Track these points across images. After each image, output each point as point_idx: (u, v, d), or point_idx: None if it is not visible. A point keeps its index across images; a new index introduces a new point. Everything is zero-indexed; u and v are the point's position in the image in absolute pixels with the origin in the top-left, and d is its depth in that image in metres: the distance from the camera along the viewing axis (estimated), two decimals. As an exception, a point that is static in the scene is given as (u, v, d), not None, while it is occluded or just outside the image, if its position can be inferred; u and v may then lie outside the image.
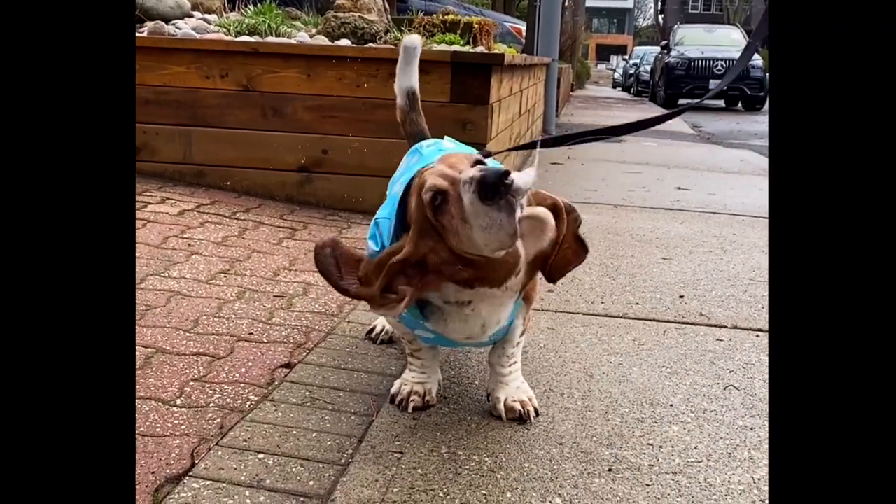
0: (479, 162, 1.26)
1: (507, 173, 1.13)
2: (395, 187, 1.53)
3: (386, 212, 1.44)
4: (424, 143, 1.75)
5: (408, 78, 1.93)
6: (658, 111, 13.52)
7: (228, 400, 1.55)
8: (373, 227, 1.48)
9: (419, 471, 1.33)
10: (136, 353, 1.72)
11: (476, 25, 4.72)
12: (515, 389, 1.55)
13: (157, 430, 1.41)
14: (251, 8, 4.26)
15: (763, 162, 6.15)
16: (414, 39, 1.93)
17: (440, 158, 1.31)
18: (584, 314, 2.19)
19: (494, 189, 1.13)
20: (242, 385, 1.62)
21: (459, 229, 1.20)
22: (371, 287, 1.26)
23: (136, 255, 2.36)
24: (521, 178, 1.15)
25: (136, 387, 1.57)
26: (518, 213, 1.16)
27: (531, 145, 1.58)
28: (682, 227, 3.44)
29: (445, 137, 1.83)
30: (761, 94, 14.93)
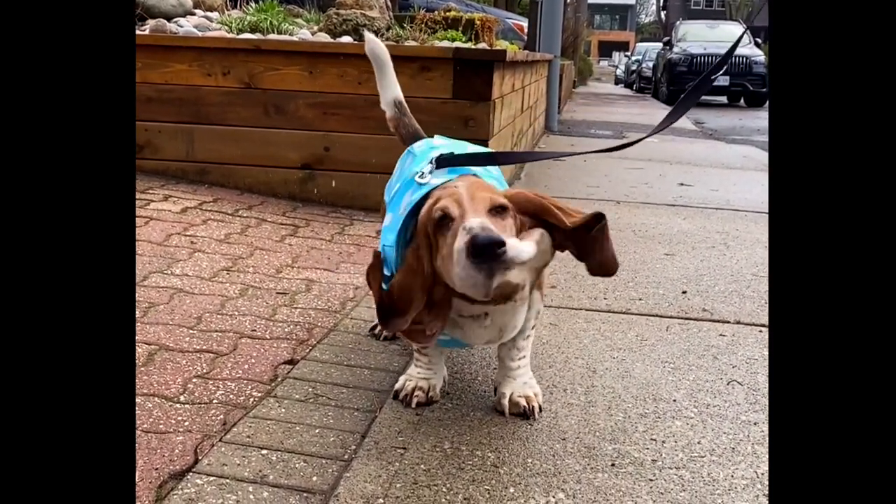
0: (497, 208, 1.27)
1: (501, 244, 1.16)
2: (395, 200, 1.54)
3: (391, 238, 1.43)
4: (416, 144, 1.74)
5: (390, 90, 1.94)
6: (660, 108, 13.50)
7: (231, 396, 1.55)
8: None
9: (422, 466, 1.33)
10: (140, 350, 1.72)
11: (478, 22, 4.71)
12: (522, 385, 1.54)
13: (161, 426, 1.41)
14: (253, 5, 4.26)
15: (765, 158, 6.13)
16: (373, 45, 1.91)
17: (469, 183, 1.33)
18: (587, 310, 2.19)
19: (482, 253, 1.16)
20: (245, 381, 1.62)
21: (445, 259, 1.25)
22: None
23: (139, 252, 2.37)
24: (517, 251, 1.18)
25: (140, 384, 1.57)
26: (497, 279, 1.19)
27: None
28: (685, 223, 3.44)
29: (436, 136, 1.81)
30: (764, 90, 14.89)
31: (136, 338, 1.77)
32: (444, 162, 1.48)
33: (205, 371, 1.65)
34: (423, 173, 1.46)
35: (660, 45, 19.78)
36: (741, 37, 1.83)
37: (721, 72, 1.72)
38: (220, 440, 1.38)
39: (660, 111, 12.48)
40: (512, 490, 1.27)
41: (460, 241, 1.19)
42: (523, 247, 1.20)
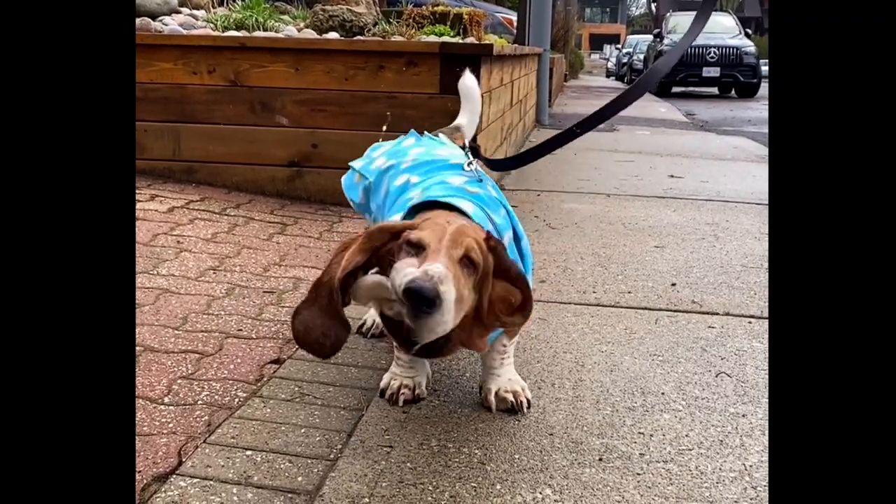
0: (466, 259, 1.22)
1: (431, 303, 1.12)
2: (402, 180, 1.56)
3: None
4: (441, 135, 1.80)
5: (460, 118, 2.04)
6: (652, 100, 13.49)
7: (216, 397, 1.54)
8: None
9: (408, 464, 1.32)
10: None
11: (466, 16, 4.69)
12: (508, 381, 1.54)
13: (145, 428, 1.40)
14: (239, 3, 4.23)
15: (756, 149, 6.14)
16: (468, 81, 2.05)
17: (455, 226, 1.25)
18: (575, 304, 2.18)
19: (419, 302, 1.12)
20: (231, 382, 1.61)
21: (392, 278, 1.20)
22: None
23: (125, 253, 2.35)
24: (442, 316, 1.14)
25: (124, 386, 1.56)
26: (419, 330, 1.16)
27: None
28: (675, 215, 3.43)
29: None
30: (754, 80, 14.90)
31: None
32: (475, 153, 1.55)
33: (190, 372, 1.64)
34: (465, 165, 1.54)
35: (650, 37, 19.77)
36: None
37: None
38: (205, 441, 1.37)
39: (651, 103, 12.48)
40: (499, 487, 1.26)
41: (409, 273, 1.14)
42: (448, 316, 1.16)
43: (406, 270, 1.15)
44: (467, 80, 2.05)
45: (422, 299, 1.12)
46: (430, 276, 1.13)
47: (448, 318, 1.15)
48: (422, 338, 1.18)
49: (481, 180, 1.52)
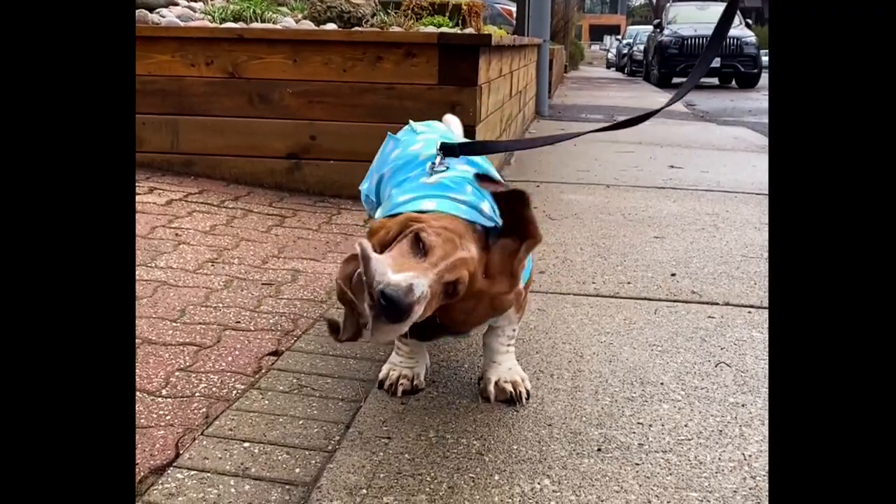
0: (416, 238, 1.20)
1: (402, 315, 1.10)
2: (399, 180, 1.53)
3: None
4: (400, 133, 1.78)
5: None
6: (651, 91, 13.46)
7: (214, 389, 1.54)
8: None
9: (406, 455, 1.31)
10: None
11: (465, 7, 4.67)
12: (508, 371, 1.53)
13: (142, 421, 1.40)
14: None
15: (756, 139, 6.12)
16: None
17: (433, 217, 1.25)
18: (574, 294, 2.17)
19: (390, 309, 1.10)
20: (229, 374, 1.60)
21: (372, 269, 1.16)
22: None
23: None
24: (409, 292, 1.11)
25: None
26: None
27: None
28: (675, 206, 3.42)
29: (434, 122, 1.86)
30: (755, 70, 14.86)
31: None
32: (447, 150, 1.48)
33: (188, 364, 1.63)
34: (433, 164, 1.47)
35: (651, 27, 19.70)
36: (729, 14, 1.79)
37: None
38: (202, 434, 1.36)
39: (651, 94, 12.45)
40: (497, 477, 1.26)
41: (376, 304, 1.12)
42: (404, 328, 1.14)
43: (389, 274, 1.12)
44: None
45: (393, 308, 1.10)
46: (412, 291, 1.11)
47: (403, 329, 1.15)
48: (375, 338, 1.17)
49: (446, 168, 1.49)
